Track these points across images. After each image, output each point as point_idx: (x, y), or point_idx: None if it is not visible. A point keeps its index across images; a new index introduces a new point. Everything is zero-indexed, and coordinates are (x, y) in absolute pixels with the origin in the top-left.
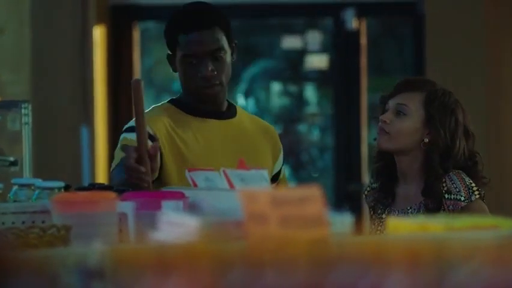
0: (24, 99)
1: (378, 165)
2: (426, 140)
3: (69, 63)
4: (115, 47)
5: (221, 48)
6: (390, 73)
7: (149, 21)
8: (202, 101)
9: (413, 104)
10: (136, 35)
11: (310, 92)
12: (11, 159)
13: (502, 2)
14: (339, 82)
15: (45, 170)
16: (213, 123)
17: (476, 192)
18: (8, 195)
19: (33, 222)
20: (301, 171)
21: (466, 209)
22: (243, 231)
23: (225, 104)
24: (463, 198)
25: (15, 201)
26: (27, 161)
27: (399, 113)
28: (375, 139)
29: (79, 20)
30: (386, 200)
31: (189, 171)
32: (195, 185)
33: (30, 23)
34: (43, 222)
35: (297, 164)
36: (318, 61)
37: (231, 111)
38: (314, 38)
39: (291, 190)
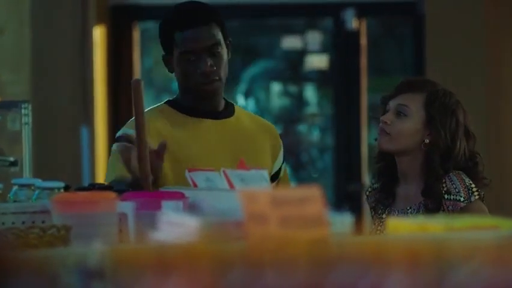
0: (24, 99)
1: (379, 166)
2: (427, 141)
3: (69, 63)
4: (115, 47)
5: (218, 44)
6: (390, 73)
7: (149, 21)
8: (201, 98)
9: (414, 104)
10: (136, 35)
11: (310, 92)
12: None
13: (502, 2)
14: (339, 82)
15: (45, 170)
16: (210, 123)
17: (476, 193)
18: (8, 195)
19: (33, 222)
20: (301, 172)
21: (465, 209)
22: (243, 232)
23: (222, 103)
24: (462, 199)
25: (15, 201)
26: (27, 161)
27: (399, 113)
28: (376, 139)
29: (79, 20)
30: (386, 201)
31: (189, 171)
32: (195, 185)
33: (30, 23)
34: (43, 222)
35: (297, 164)
36: (318, 61)
37: (228, 111)
38: (314, 38)
39: (291, 190)
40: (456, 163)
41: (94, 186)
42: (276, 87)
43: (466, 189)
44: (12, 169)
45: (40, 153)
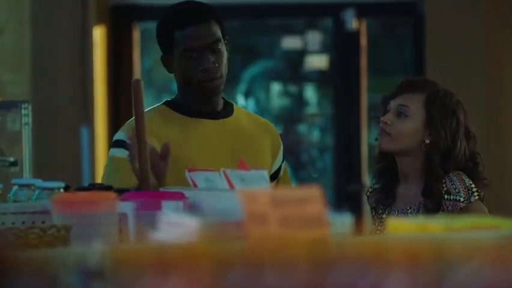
0: (24, 99)
1: (379, 166)
2: (427, 141)
3: (69, 63)
4: (115, 47)
5: (219, 41)
6: (390, 73)
7: (149, 22)
8: (202, 96)
9: (414, 105)
10: (136, 35)
11: (310, 93)
12: (11, 159)
13: (502, 2)
14: (339, 82)
15: (45, 170)
16: (208, 123)
17: (476, 194)
18: (8, 195)
19: (33, 222)
20: (301, 172)
21: (465, 209)
22: (243, 232)
23: (221, 103)
24: (462, 199)
25: (15, 201)
26: (27, 161)
27: (400, 114)
28: (376, 139)
29: (79, 20)
30: (386, 201)
31: (189, 171)
32: (195, 186)
33: (30, 23)
34: (43, 222)
35: (297, 164)
36: (318, 61)
37: (227, 110)
38: (314, 38)
39: (291, 190)
40: (456, 163)
41: (94, 186)
42: (276, 87)
43: (466, 190)
44: (12, 169)
45: (40, 154)
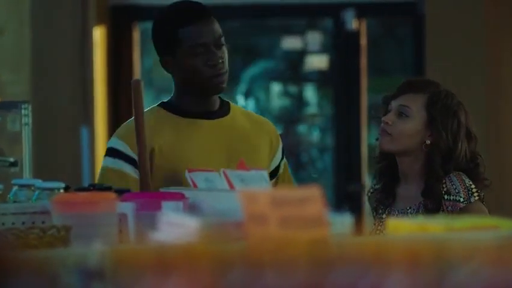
0: (24, 99)
1: (380, 166)
2: (428, 142)
3: (69, 63)
4: (115, 47)
5: (221, 36)
6: (390, 73)
7: (149, 22)
8: (208, 92)
9: (416, 105)
10: (136, 35)
11: (310, 93)
12: (11, 159)
13: (502, 2)
14: (339, 82)
15: (45, 171)
16: (204, 123)
17: (476, 194)
18: (8, 195)
19: (33, 222)
20: (301, 172)
21: (464, 210)
22: (242, 232)
23: (218, 102)
24: (461, 200)
25: (15, 201)
26: (27, 162)
27: (401, 114)
28: (377, 139)
29: (79, 20)
30: (387, 200)
31: (189, 171)
32: (195, 186)
33: (30, 23)
34: (43, 222)
35: (297, 164)
36: (318, 62)
37: (223, 110)
38: (314, 38)
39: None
40: (457, 164)
41: (94, 187)
42: (276, 87)
43: (466, 190)
44: (12, 170)
45: (40, 154)
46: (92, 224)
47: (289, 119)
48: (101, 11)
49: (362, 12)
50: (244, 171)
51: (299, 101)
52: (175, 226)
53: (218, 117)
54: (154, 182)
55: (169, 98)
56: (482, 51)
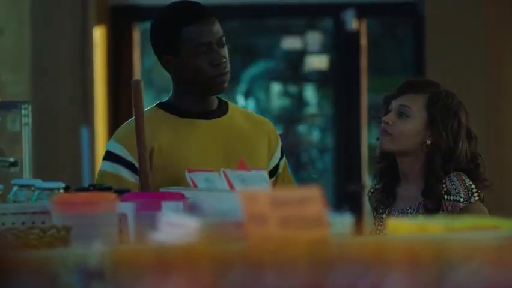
0: (24, 99)
1: (380, 166)
2: (429, 142)
3: (69, 63)
4: (114, 48)
5: (223, 36)
6: (391, 74)
7: (149, 22)
8: (210, 91)
9: (416, 105)
10: (136, 35)
11: (310, 93)
12: (11, 160)
13: (502, 2)
14: (339, 83)
15: (45, 171)
16: (202, 123)
17: (476, 194)
18: (8, 196)
19: (33, 223)
20: (301, 172)
21: (464, 210)
22: (243, 232)
23: (216, 102)
24: (461, 200)
25: (15, 202)
26: (27, 162)
27: (401, 114)
28: (377, 139)
29: (79, 20)
30: (387, 200)
31: (189, 172)
32: (195, 186)
33: (30, 23)
34: (43, 223)
35: (297, 164)
36: (318, 62)
37: (221, 110)
38: (314, 38)
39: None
40: (457, 164)
41: (94, 187)
42: (276, 87)
43: (466, 190)
44: (12, 170)
45: (40, 154)
46: (92, 224)
47: (289, 119)
48: (101, 11)
49: (362, 12)
50: (244, 171)
51: (299, 101)
52: (175, 226)
53: (216, 117)
54: (153, 182)
55: (167, 98)
56: (482, 52)
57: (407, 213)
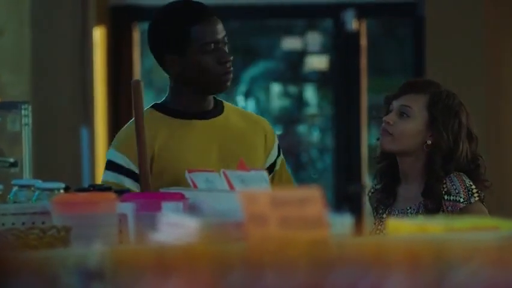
0: (24, 99)
1: (381, 166)
2: (429, 142)
3: (69, 64)
4: (115, 48)
5: (226, 34)
6: (391, 74)
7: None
8: (215, 90)
9: (417, 105)
10: (136, 35)
11: (310, 93)
12: (11, 160)
13: (502, 2)
14: (339, 83)
15: (45, 171)
16: (198, 124)
17: (476, 195)
18: (8, 196)
19: (33, 223)
20: (301, 172)
21: (464, 210)
22: (243, 233)
23: (212, 102)
24: (462, 200)
25: (15, 202)
26: (27, 162)
27: (402, 114)
28: (378, 139)
29: (79, 21)
30: (387, 200)
31: (189, 172)
32: (195, 186)
33: (30, 23)
34: (43, 223)
35: (297, 164)
36: (318, 62)
37: (217, 109)
38: (314, 39)
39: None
40: (458, 165)
41: (94, 187)
42: (276, 87)
43: (466, 191)
44: (12, 170)
45: (40, 154)
46: (92, 224)
47: (289, 119)
48: (101, 11)
49: (362, 12)
50: (244, 171)
51: (299, 102)
52: (175, 227)
53: (212, 117)
54: (154, 185)
55: (163, 99)
56: (482, 52)
57: (407, 213)
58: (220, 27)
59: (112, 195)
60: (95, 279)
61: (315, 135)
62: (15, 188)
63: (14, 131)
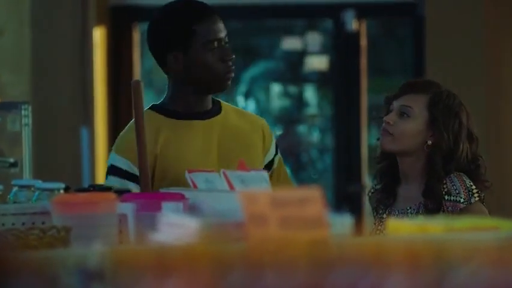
0: (24, 100)
1: (381, 166)
2: (430, 142)
3: (69, 64)
4: (115, 48)
5: (227, 34)
6: (390, 74)
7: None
8: (218, 88)
9: (417, 105)
10: (136, 36)
11: (310, 93)
12: (11, 160)
13: (502, 2)
14: (339, 83)
15: (45, 171)
16: (197, 124)
17: (476, 195)
18: (8, 196)
19: (33, 223)
20: (301, 172)
21: (465, 211)
22: (243, 233)
23: (210, 102)
24: (462, 200)
25: (15, 202)
26: (27, 162)
27: (403, 114)
28: (378, 139)
29: (79, 21)
30: (387, 200)
31: (189, 172)
32: (195, 187)
33: (30, 23)
34: (43, 223)
35: (297, 165)
36: (318, 62)
37: (215, 109)
38: (314, 39)
39: (291, 191)
40: (458, 165)
41: (94, 187)
42: (276, 88)
43: (467, 191)
44: (12, 170)
45: (40, 154)
46: (92, 224)
47: (289, 119)
48: (101, 11)
49: (362, 13)
50: (244, 171)
51: (299, 102)
52: (175, 227)
53: (211, 117)
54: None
55: (161, 100)
56: (482, 52)
57: (407, 213)
58: (222, 26)
59: (112, 195)
60: (95, 279)
61: (315, 136)
62: (15, 188)
63: (14, 131)
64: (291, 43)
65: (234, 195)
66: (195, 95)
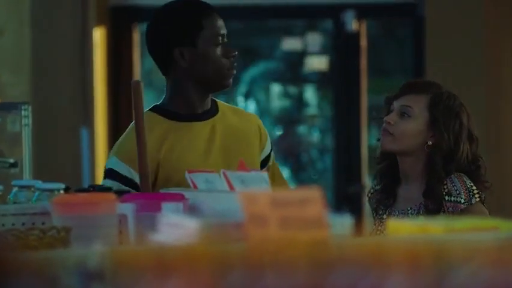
0: (24, 100)
1: (381, 166)
2: (430, 143)
3: (69, 64)
4: (115, 48)
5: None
6: (391, 74)
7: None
8: (221, 86)
9: (418, 106)
10: (136, 36)
11: (310, 94)
12: (11, 160)
13: (502, 2)
14: (339, 84)
15: (45, 172)
16: (199, 125)
17: (477, 195)
18: (8, 196)
19: (33, 223)
20: (301, 173)
21: (465, 211)
22: (242, 233)
23: (210, 102)
24: (463, 201)
25: (15, 202)
26: (27, 163)
27: (403, 114)
28: (378, 139)
29: (79, 21)
30: (387, 201)
31: (189, 172)
32: (195, 187)
33: (30, 23)
34: (43, 223)
35: (297, 165)
36: (318, 63)
37: (213, 109)
38: (314, 39)
39: (291, 191)
40: (458, 166)
41: (94, 188)
42: (276, 88)
43: (467, 191)
44: (12, 170)
45: (40, 155)
46: (92, 225)
47: (289, 120)
48: (101, 11)
49: (362, 13)
50: (244, 172)
51: (299, 102)
52: (175, 227)
53: (210, 117)
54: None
55: (161, 102)
56: (482, 52)
57: (408, 214)
58: (223, 23)
59: (112, 195)
60: (95, 280)
61: (315, 136)
62: (15, 189)
63: (14, 132)
64: (291, 43)
65: (234, 195)
66: (196, 94)
